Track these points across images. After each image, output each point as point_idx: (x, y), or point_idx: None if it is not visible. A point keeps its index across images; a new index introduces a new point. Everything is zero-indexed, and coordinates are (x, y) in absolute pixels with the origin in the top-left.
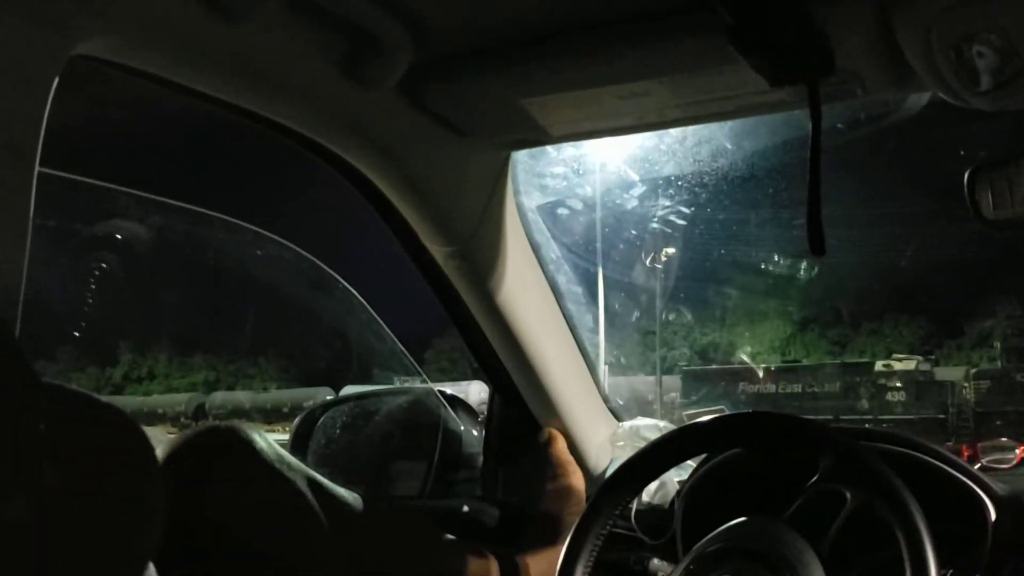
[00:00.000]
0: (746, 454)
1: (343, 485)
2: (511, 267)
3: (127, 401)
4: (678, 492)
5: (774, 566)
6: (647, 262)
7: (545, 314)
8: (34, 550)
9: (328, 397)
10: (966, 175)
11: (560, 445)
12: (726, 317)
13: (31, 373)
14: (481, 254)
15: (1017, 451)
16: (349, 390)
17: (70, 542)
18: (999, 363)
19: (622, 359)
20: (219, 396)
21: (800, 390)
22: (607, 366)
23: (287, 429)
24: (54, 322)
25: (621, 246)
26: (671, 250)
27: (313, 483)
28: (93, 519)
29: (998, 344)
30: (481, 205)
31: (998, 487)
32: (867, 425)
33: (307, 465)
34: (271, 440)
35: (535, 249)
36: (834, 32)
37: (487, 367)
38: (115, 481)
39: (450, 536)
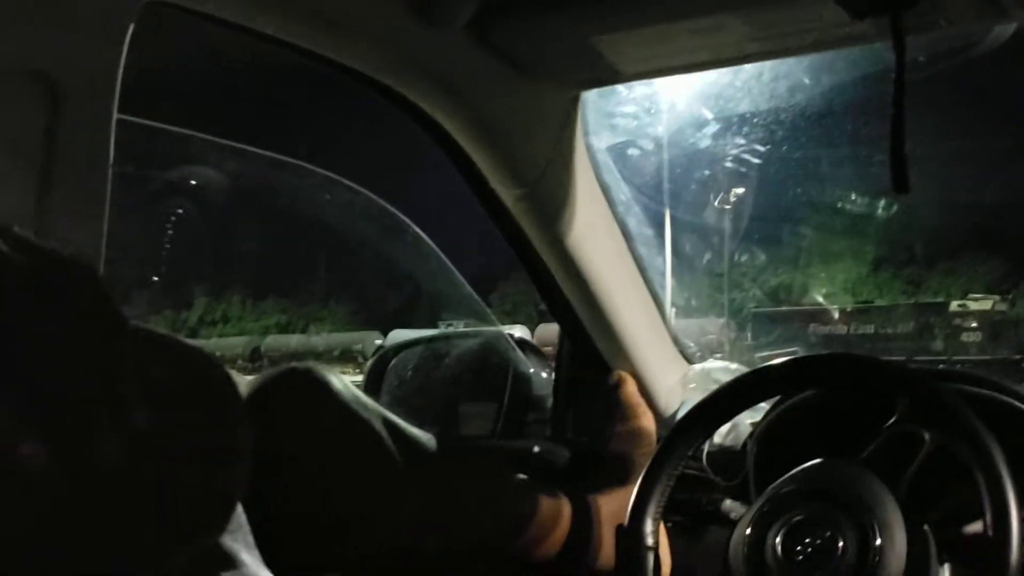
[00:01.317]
0: (820, 396)
1: (415, 426)
2: (580, 209)
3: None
4: (750, 434)
5: (850, 508)
6: (718, 203)
7: (614, 256)
8: (127, 493)
9: (377, 341)
10: None
11: (630, 387)
12: (798, 258)
13: (119, 316)
14: (550, 196)
15: None
16: (396, 334)
17: (161, 484)
18: None
19: (692, 301)
20: (272, 340)
21: (873, 331)
22: (675, 308)
23: (339, 371)
24: (132, 267)
25: (692, 186)
26: (743, 190)
27: (388, 424)
28: (183, 461)
29: None
30: (550, 146)
31: None
32: (942, 366)
33: (381, 406)
34: (347, 381)
35: (604, 190)
36: None
37: (556, 309)
38: (203, 423)
39: (522, 476)
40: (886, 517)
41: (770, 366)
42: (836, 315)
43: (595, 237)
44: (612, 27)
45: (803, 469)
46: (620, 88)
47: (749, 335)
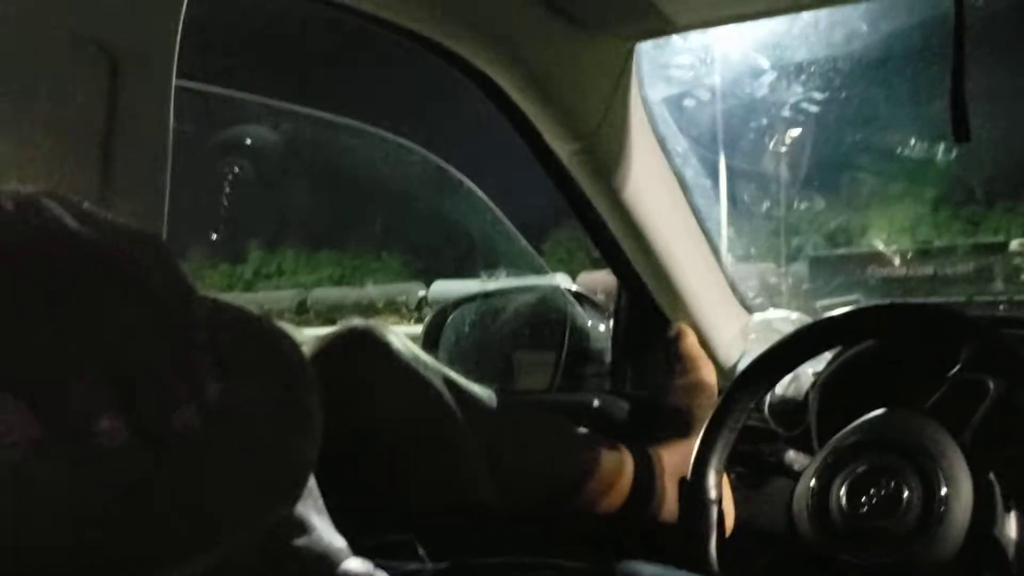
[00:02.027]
0: (882, 345)
1: (475, 382)
2: (636, 162)
3: (236, 298)
4: (812, 384)
5: (915, 457)
6: (775, 150)
7: (672, 208)
8: (204, 464)
9: (421, 292)
10: None
11: (690, 339)
12: (855, 201)
13: (189, 286)
14: (606, 149)
15: None
16: (439, 286)
17: (236, 455)
18: None
19: (751, 248)
20: (318, 292)
21: (932, 272)
22: (733, 256)
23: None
24: (190, 224)
25: (749, 135)
26: (800, 137)
27: (449, 381)
28: (257, 430)
29: None
30: (605, 100)
31: None
32: (1002, 307)
33: (439, 362)
34: (406, 339)
35: (660, 142)
36: None
37: (614, 262)
38: (273, 391)
39: (583, 430)
40: (951, 466)
41: (831, 317)
42: (895, 257)
43: (652, 189)
44: None
45: (866, 419)
46: (675, 39)
47: (806, 280)
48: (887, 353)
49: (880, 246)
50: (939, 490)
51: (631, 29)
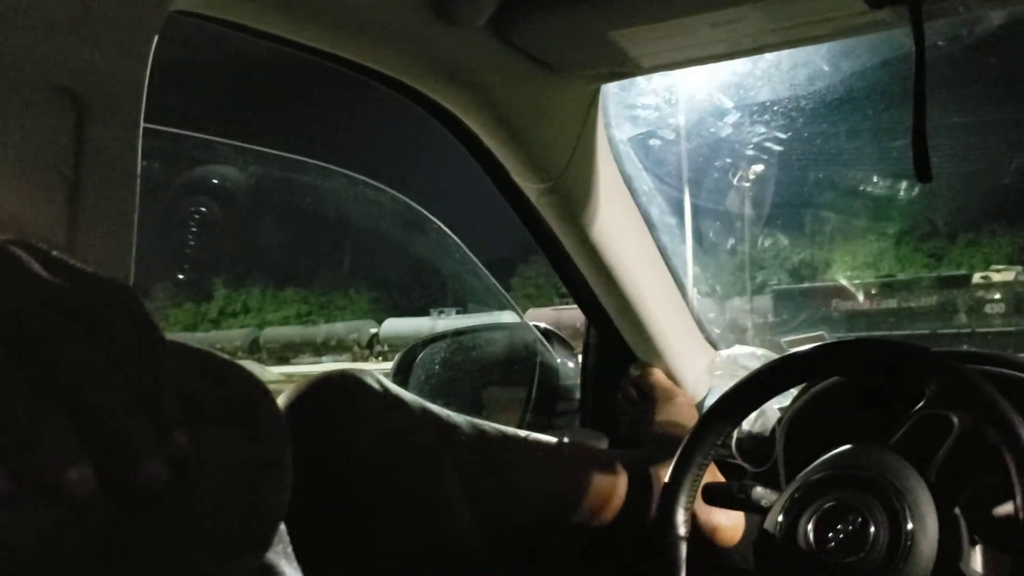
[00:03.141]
0: (848, 381)
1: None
2: (604, 200)
3: (188, 338)
4: (779, 420)
5: (881, 493)
6: (739, 189)
7: (638, 246)
8: (172, 513)
9: (372, 330)
10: None
11: (656, 373)
12: (819, 237)
13: (157, 332)
14: (574, 189)
15: None
16: (390, 324)
17: (205, 503)
18: None
19: (716, 286)
20: (271, 331)
21: (896, 305)
22: (699, 292)
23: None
24: (155, 263)
25: (715, 174)
26: (764, 176)
27: (430, 416)
28: (226, 478)
29: None
30: (572, 140)
31: None
32: (964, 342)
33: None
34: (382, 379)
35: (627, 182)
36: None
37: (582, 300)
38: (243, 438)
39: (568, 450)
40: (917, 501)
41: (796, 354)
42: (859, 291)
43: (619, 228)
44: (631, 21)
45: (833, 455)
46: (640, 80)
47: (771, 314)
48: (852, 389)
49: (844, 280)
50: (905, 525)
51: (596, 71)
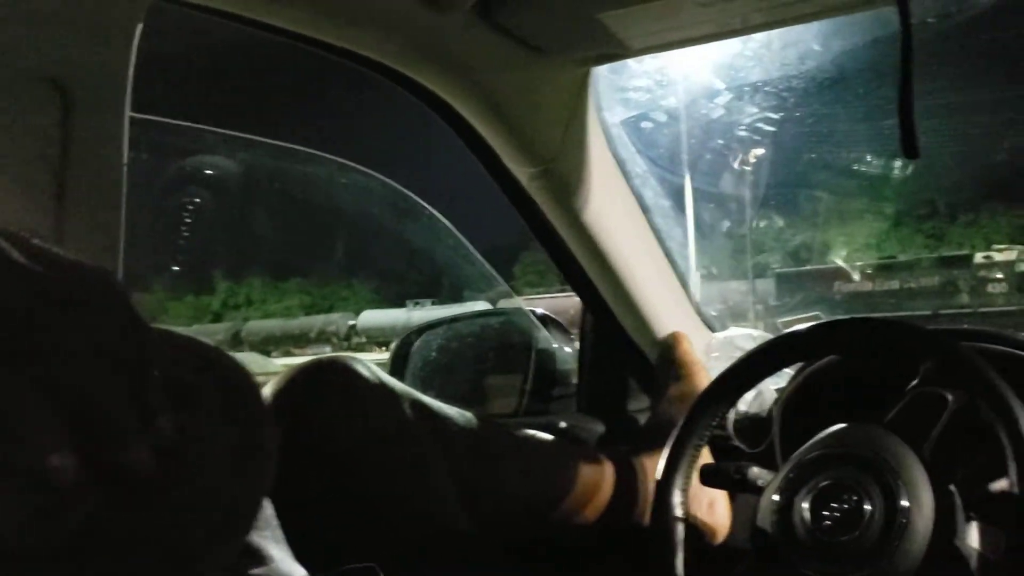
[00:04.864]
0: (843, 360)
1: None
2: (596, 184)
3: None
4: (776, 400)
5: (876, 470)
6: (736, 170)
7: (632, 229)
8: (158, 498)
9: (350, 322)
10: None
11: (684, 345)
12: (818, 218)
13: (141, 319)
14: (566, 173)
15: None
16: (366, 316)
17: (190, 487)
18: None
19: (714, 268)
20: (253, 324)
21: (897, 287)
22: (700, 275)
23: (315, 353)
24: (154, 257)
25: (708, 156)
26: (760, 156)
27: (420, 405)
28: (210, 462)
29: None
30: (563, 124)
31: None
32: (966, 322)
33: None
34: (374, 367)
35: (620, 165)
36: None
37: (577, 284)
38: (227, 422)
39: (558, 444)
40: (912, 479)
41: (790, 333)
42: (858, 272)
43: (612, 211)
44: (619, 2)
45: (828, 434)
46: (631, 62)
47: (772, 297)
48: (848, 368)
49: (845, 262)
50: (900, 503)
51: (585, 54)
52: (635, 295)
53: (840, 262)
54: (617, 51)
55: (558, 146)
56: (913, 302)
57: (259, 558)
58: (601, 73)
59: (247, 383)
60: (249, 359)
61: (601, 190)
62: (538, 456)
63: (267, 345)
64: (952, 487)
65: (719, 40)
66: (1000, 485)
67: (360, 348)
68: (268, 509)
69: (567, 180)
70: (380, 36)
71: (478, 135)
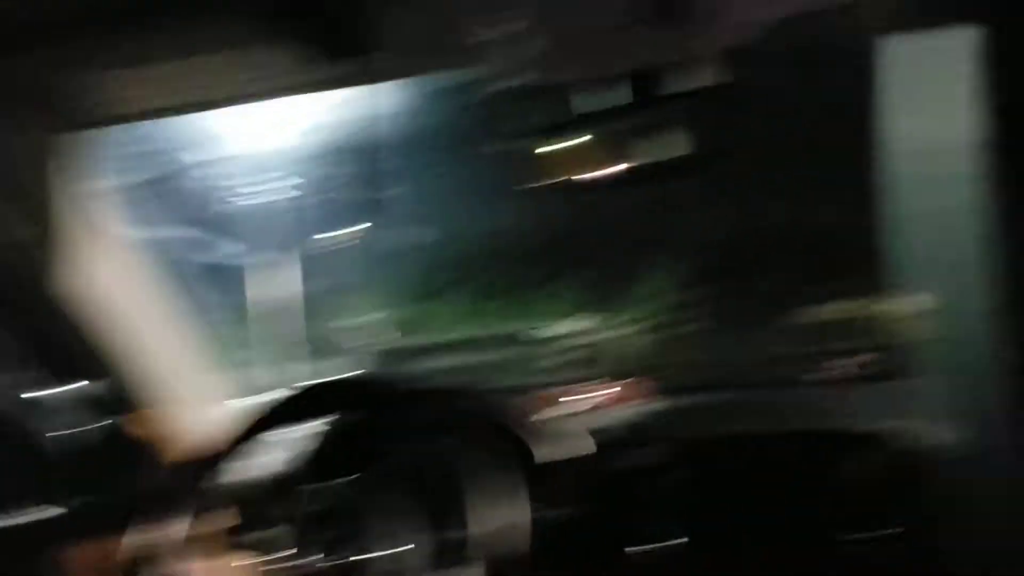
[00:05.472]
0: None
1: None
2: (95, 253)
3: None
4: (292, 458)
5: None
6: (278, 240)
7: (137, 295)
8: None
9: None
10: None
11: (151, 425)
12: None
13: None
14: (57, 244)
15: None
16: None
17: None
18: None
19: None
20: None
21: (476, 362)
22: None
23: None
24: None
25: (226, 222)
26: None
27: None
28: None
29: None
30: (41, 193)
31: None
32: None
33: None
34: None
35: (118, 231)
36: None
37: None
38: None
39: None
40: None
41: (279, 400)
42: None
43: (116, 278)
44: (80, 70)
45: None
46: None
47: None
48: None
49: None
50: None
51: (51, 122)
52: (144, 363)
53: (417, 340)
54: (82, 119)
55: (41, 216)
56: (487, 377)
57: None
58: (94, 139)
59: None
60: None
61: (102, 258)
62: None
63: None
64: None
65: (186, 113)
66: None
67: None
68: None
69: (63, 250)
70: None
71: None
